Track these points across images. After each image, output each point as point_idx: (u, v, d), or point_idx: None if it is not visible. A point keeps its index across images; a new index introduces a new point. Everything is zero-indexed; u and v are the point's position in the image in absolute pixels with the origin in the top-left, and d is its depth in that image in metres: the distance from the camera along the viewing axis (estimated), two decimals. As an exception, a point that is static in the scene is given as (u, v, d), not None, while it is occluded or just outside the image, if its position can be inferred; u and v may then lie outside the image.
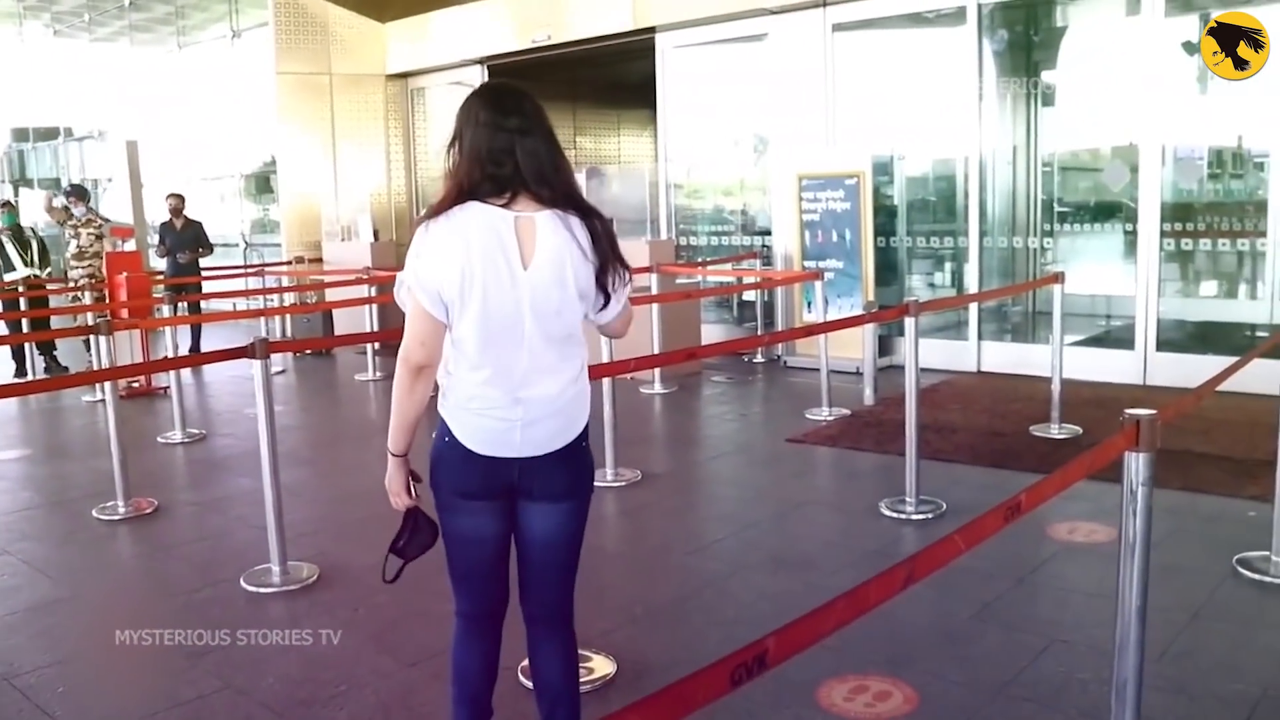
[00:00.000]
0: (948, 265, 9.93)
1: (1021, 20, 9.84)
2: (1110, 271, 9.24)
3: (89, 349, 9.75)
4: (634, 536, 5.39)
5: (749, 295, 10.89)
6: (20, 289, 10.67)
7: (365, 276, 10.61)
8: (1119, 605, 2.51)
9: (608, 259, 2.45)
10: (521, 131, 2.40)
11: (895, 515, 5.23)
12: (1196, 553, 4.58)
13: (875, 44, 9.97)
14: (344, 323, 11.63)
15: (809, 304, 9.37)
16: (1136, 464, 2.45)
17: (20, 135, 24.11)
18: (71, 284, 10.91)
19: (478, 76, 13.15)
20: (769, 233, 10.63)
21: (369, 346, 10.36)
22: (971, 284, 9.28)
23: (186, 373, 9.72)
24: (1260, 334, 8.42)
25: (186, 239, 11.68)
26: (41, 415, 9.12)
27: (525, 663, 2.77)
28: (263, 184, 16.63)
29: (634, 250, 9.71)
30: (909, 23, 9.63)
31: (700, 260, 11.15)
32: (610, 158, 17.06)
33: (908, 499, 5.29)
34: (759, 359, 10.11)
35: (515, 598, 2.67)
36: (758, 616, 3.99)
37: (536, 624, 2.68)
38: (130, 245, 11.06)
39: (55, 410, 9.25)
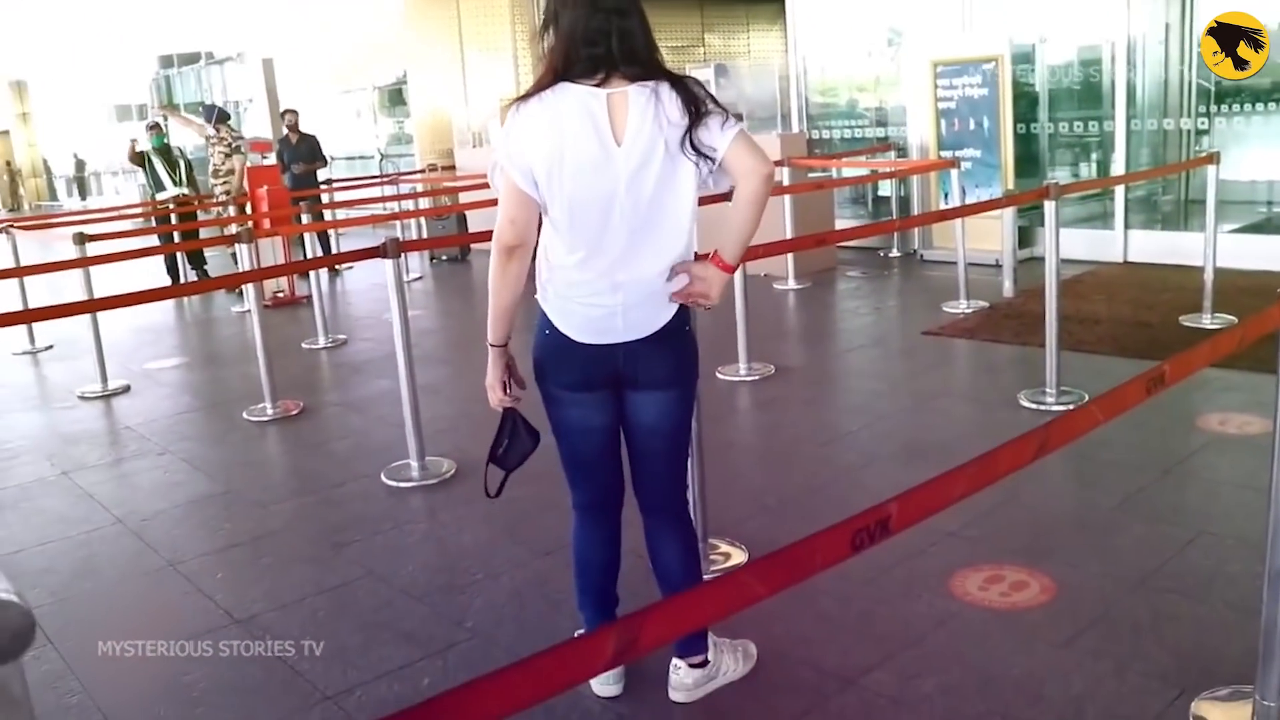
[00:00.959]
0: (1093, 153, 9.44)
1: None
2: (1272, 155, 8.67)
3: (235, 261, 10.10)
4: (767, 429, 5.37)
5: (884, 189, 10.59)
6: (171, 206, 11.10)
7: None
8: (1271, 496, 2.36)
9: (697, 114, 2.32)
10: (619, 12, 2.34)
11: (1035, 406, 5.07)
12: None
13: (1016, -81, 9.45)
14: (478, 226, 11.75)
15: (945, 195, 9.08)
16: (1294, 347, 2.28)
17: (165, 61, 24.87)
18: (213, 199, 11.30)
19: (602, -24, 12.95)
20: (904, 124, 10.29)
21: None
22: (1118, 171, 8.83)
23: (326, 282, 9.98)
24: None
25: (302, 152, 11.93)
26: (196, 325, 9.54)
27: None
28: (395, 97, 16.83)
29: (765, 144, 9.48)
30: (1053, -105, 9.07)
31: (833, 154, 10.88)
32: (739, 53, 16.73)
33: (1048, 390, 5.12)
34: (894, 253, 9.87)
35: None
36: (891, 506, 3.94)
37: (650, 513, 2.71)
38: (270, 159, 11.35)
39: (207, 321, 9.66)
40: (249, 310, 6.36)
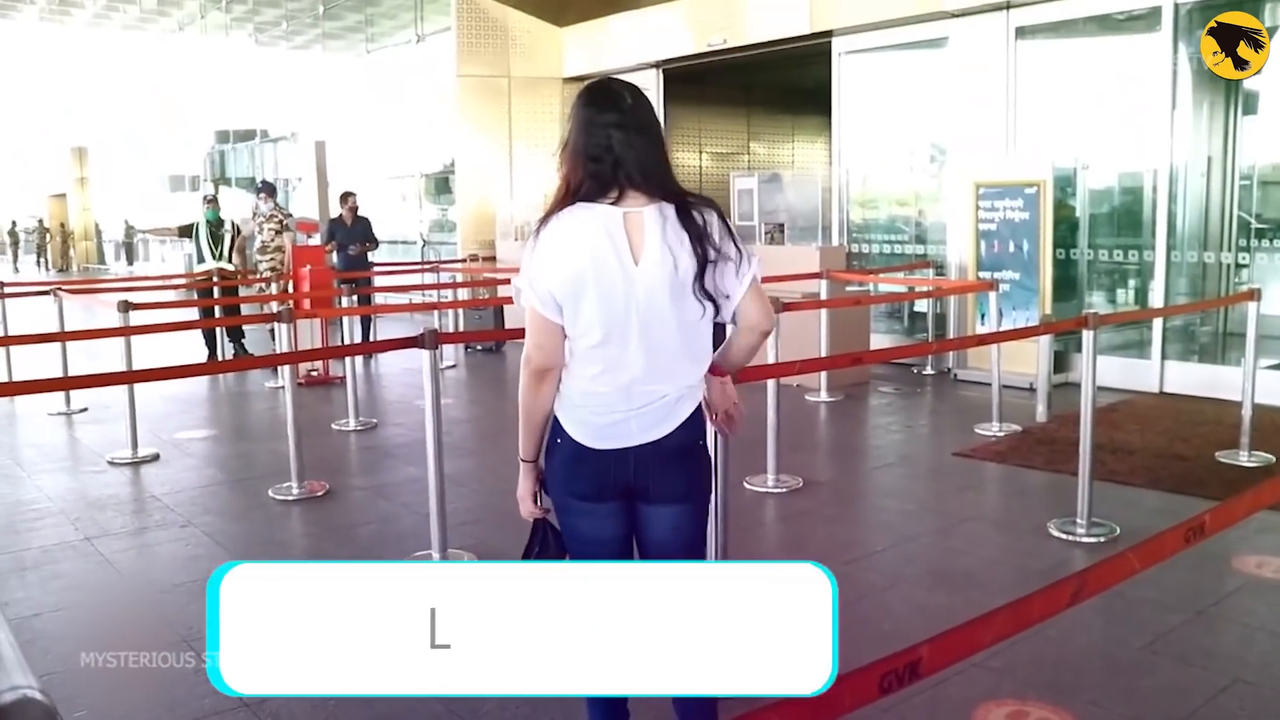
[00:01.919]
0: (1131, 281, 9.45)
1: (1223, 22, 9.30)
2: (1314, 292, 8.64)
3: (273, 338, 10.21)
4: (792, 543, 5.31)
5: (920, 305, 10.63)
6: (214, 279, 11.27)
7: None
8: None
9: (705, 258, 2.32)
10: (618, 126, 2.33)
11: (1064, 536, 5.00)
12: (1401, 594, 4.24)
13: (1060, 49, 9.60)
14: (514, 320, 11.84)
15: (982, 316, 9.08)
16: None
17: (222, 137, 25.51)
18: (258, 275, 11.47)
19: (653, 80, 13.25)
20: (943, 242, 10.37)
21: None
22: (1157, 300, 8.82)
23: (361, 364, 10.05)
24: None
25: (356, 233, 12.13)
26: (228, 398, 9.62)
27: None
28: (442, 185, 17.12)
29: (805, 256, 9.61)
30: (1097, 26, 9.23)
31: (871, 268, 10.95)
32: (784, 163, 16.95)
33: (1079, 520, 5.05)
34: (928, 371, 9.85)
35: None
36: (914, 631, 3.86)
37: None
38: (315, 239, 11.55)
39: (240, 394, 9.74)
40: (282, 386, 6.41)
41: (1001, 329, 8.18)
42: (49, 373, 7.99)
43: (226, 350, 11.41)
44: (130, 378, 5.85)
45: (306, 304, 9.40)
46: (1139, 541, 1.98)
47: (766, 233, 10.93)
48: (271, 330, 10.44)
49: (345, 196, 12.16)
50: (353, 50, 19.47)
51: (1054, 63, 9.60)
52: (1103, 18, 9.08)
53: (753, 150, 16.92)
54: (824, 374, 8.62)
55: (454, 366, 11.01)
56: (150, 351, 9.36)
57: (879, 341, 10.30)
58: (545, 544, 2.63)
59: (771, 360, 5.37)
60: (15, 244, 39.96)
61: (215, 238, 11.51)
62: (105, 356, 8.02)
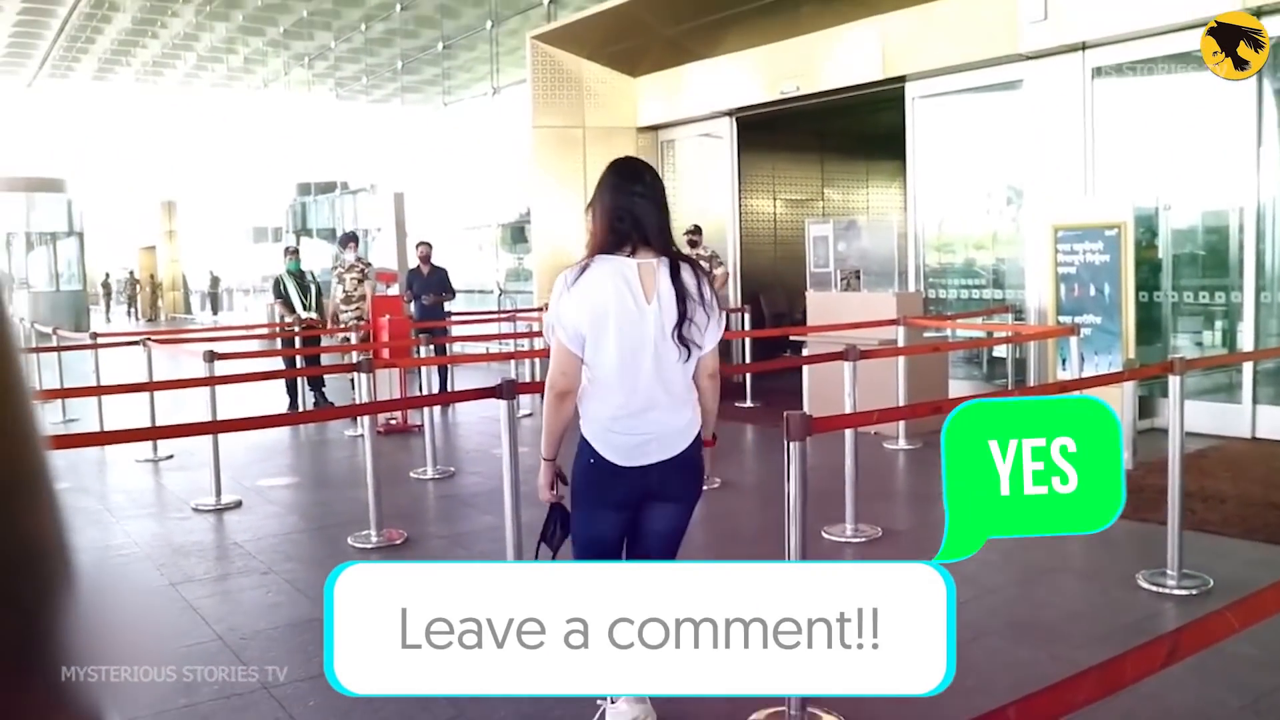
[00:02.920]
0: (1218, 323, 9.22)
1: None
2: None
3: (353, 387, 10.37)
4: (869, 594, 5.22)
5: (999, 351, 10.46)
6: (297, 329, 11.51)
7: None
8: None
9: (684, 315, 2.98)
10: (640, 195, 3.03)
11: (1154, 589, 4.85)
12: None
13: (1138, 88, 9.46)
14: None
15: (1063, 361, 8.90)
16: None
17: (303, 189, 26.15)
18: (340, 325, 11.68)
19: (727, 129, 13.32)
20: (1021, 286, 10.22)
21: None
22: (1246, 343, 8.59)
23: (438, 412, 10.14)
24: None
25: (432, 283, 12.29)
26: (309, 446, 9.77)
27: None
28: (518, 234, 17.33)
29: (881, 303, 9.52)
30: (1176, 64, 9.08)
31: (949, 314, 10.82)
32: (859, 209, 16.87)
33: (1169, 571, 4.90)
34: (1008, 417, 9.66)
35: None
36: (997, 687, 3.77)
37: None
38: (394, 289, 11.73)
39: (321, 442, 9.89)
40: (362, 435, 6.49)
41: (1083, 375, 8.01)
42: (138, 420, 8.20)
43: (308, 399, 11.61)
44: (215, 428, 5.98)
45: (385, 353, 9.54)
46: (1234, 595, 1.91)
47: (842, 279, 10.76)
48: (352, 379, 10.61)
49: (419, 246, 12.35)
50: (430, 103, 19.88)
51: (1132, 102, 9.46)
52: (1183, 55, 8.94)
53: (827, 196, 16.87)
54: (902, 422, 8.51)
55: (530, 415, 11.06)
56: (235, 397, 9.56)
57: (958, 388, 10.15)
58: (560, 524, 3.27)
59: (849, 409, 5.31)
60: (108, 295, 41.38)
61: (302, 288, 11.78)
62: (191, 404, 8.23)
